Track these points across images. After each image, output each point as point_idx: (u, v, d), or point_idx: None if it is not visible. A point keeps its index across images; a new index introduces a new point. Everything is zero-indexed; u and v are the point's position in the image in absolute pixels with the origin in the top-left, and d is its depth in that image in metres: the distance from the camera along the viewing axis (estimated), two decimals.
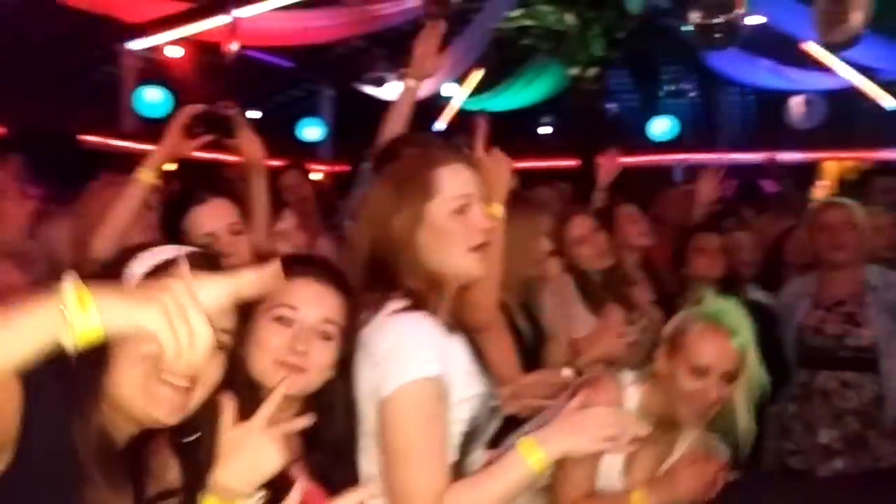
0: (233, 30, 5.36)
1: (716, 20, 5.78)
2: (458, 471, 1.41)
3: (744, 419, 1.85)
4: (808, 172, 11.22)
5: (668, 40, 7.77)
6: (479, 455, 1.48)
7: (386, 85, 8.63)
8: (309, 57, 9.58)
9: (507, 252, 2.29)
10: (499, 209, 1.86)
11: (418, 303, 1.39)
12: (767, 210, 5.69)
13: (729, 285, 2.98)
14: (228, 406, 1.21)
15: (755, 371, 1.85)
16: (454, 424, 1.39)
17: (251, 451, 1.18)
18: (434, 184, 1.44)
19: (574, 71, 7.76)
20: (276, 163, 4.13)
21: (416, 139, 2.27)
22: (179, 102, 8.02)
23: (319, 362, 1.36)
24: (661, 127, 10.62)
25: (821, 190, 10.20)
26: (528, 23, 7.78)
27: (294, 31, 7.67)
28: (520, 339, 2.45)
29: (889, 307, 2.85)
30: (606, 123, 9.70)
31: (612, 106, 9.98)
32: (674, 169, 11.20)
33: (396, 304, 1.39)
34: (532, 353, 2.38)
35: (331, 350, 1.37)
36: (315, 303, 1.38)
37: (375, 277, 1.42)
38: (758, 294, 3.28)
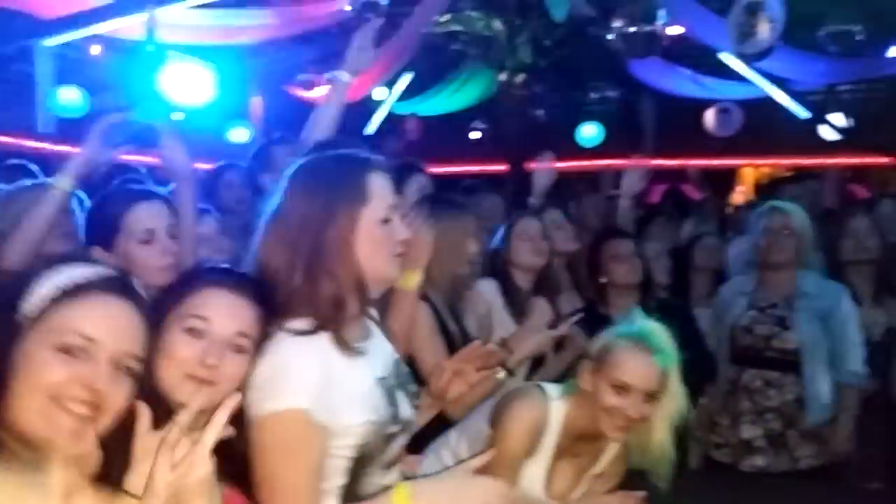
0: (152, 27, 5.21)
1: (637, 30, 5.96)
2: (351, 494, 1.41)
3: (662, 440, 1.89)
4: (726, 179, 11.67)
5: (593, 48, 7.95)
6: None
7: (316, 88, 8.56)
8: (236, 60, 9.39)
9: (436, 253, 2.31)
10: (414, 279, 1.91)
11: (324, 320, 1.37)
12: (690, 215, 5.89)
13: (644, 291, 3.07)
14: (144, 413, 1.17)
15: (677, 392, 1.90)
16: (341, 450, 1.39)
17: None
18: (368, 189, 1.45)
19: (502, 76, 7.85)
20: (206, 165, 4.03)
21: (342, 143, 2.29)
22: (97, 102, 7.75)
23: (231, 375, 1.33)
24: (589, 132, 10.84)
25: (739, 195, 10.61)
26: (456, 28, 7.84)
27: (217, 31, 7.51)
28: (450, 341, 2.46)
29: (820, 314, 2.99)
30: (535, 129, 9.85)
31: (540, 112, 10.12)
32: (602, 174, 11.45)
33: (298, 322, 1.38)
34: None
35: (243, 363, 1.35)
36: (228, 315, 1.35)
37: (288, 290, 1.40)
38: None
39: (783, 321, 3.03)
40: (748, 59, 6.80)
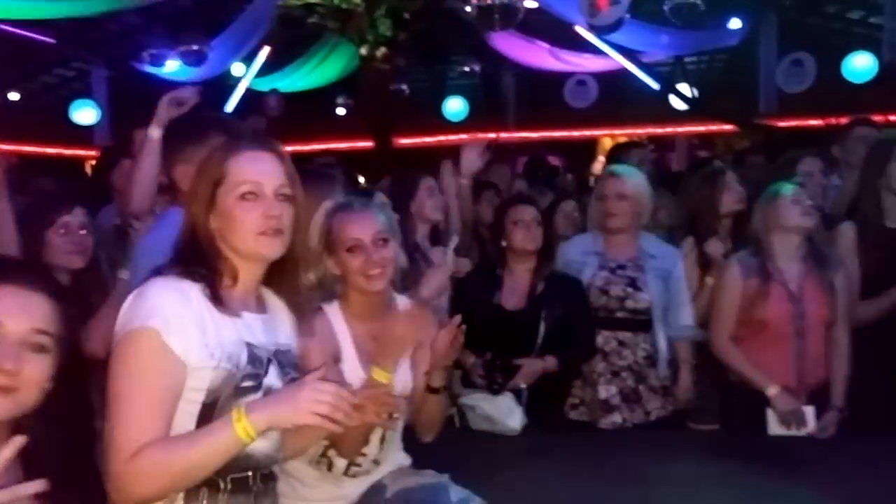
0: None
1: (493, 2, 6.02)
2: None
3: None
4: (586, 149, 12.13)
5: (454, 22, 7.97)
6: None
7: (166, 63, 8.14)
8: (75, 33, 8.76)
9: (302, 226, 2.30)
10: (384, 376, 1.88)
11: (193, 274, 1.47)
12: (555, 183, 6.05)
13: (542, 258, 3.14)
14: None
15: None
16: (191, 392, 1.41)
17: None
18: (224, 170, 1.51)
19: (364, 51, 7.75)
20: (48, 150, 3.70)
21: (217, 124, 2.24)
22: None
23: (34, 378, 1.23)
24: (454, 107, 10.92)
25: (599, 164, 11.05)
26: (313, 0, 7.65)
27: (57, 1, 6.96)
28: None
29: (662, 274, 3.12)
30: (400, 104, 9.80)
31: (404, 87, 10.08)
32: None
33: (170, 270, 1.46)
34: None
35: (45, 362, 1.25)
36: (20, 313, 1.25)
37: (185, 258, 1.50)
38: None
39: (634, 282, 3.15)
40: (600, 33, 7.03)
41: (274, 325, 1.59)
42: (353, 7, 7.54)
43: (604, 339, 3.11)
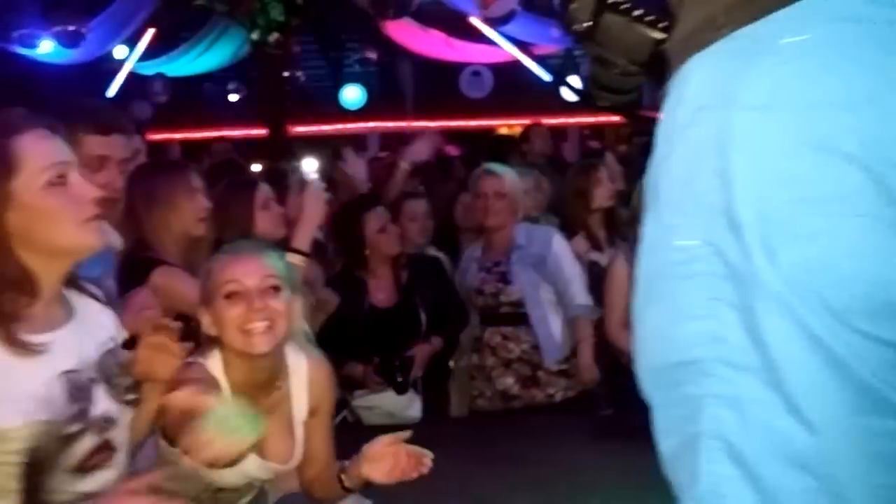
0: None
1: None
2: (35, 501, 1.28)
3: None
4: (483, 139, 12.28)
5: (350, 8, 7.86)
6: None
7: (40, 44, 7.63)
8: None
9: (162, 214, 2.17)
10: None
11: None
12: (451, 174, 6.07)
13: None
14: None
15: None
16: (6, 455, 1.24)
17: None
18: (16, 157, 1.27)
19: (255, 35, 7.53)
20: None
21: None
22: None
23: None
24: (352, 95, 10.78)
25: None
26: None
27: None
28: None
29: (533, 261, 3.19)
30: (295, 91, 9.58)
31: (300, 74, 9.87)
32: (368, 137, 11.49)
33: None
34: None
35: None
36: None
37: None
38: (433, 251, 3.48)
39: (504, 276, 3.22)
40: (493, 24, 7.11)
41: (87, 327, 1.39)
42: None
43: (489, 334, 3.18)
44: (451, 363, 3.32)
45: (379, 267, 3.12)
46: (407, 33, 8.30)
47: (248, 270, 1.64)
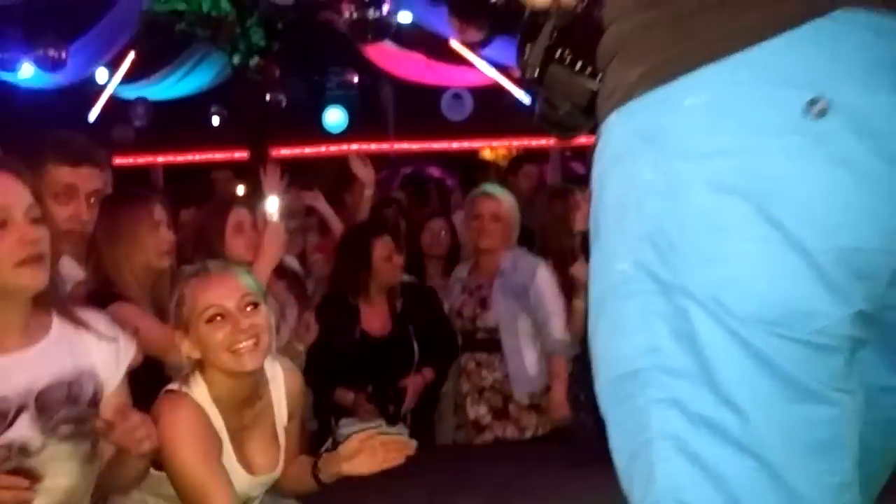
0: None
1: (366, 16, 6.02)
2: None
3: None
4: (466, 161, 12.32)
5: (327, 32, 7.91)
6: None
7: (20, 68, 7.61)
8: None
9: (124, 247, 2.14)
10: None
11: None
12: (430, 198, 6.07)
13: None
14: None
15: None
16: None
17: None
18: None
19: (236, 59, 7.55)
20: None
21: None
22: None
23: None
24: (334, 117, 10.81)
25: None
26: (181, 7, 7.37)
27: None
28: None
29: (515, 290, 3.15)
30: (277, 114, 9.60)
31: (282, 97, 9.90)
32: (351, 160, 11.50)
33: None
34: None
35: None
36: None
37: None
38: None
39: (484, 301, 3.20)
40: (473, 47, 7.18)
41: (49, 358, 1.41)
42: (224, 15, 7.33)
43: (465, 359, 3.16)
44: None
45: (377, 295, 3.09)
46: (388, 56, 8.35)
47: (226, 292, 1.68)
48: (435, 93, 9.95)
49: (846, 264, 0.68)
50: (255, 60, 7.53)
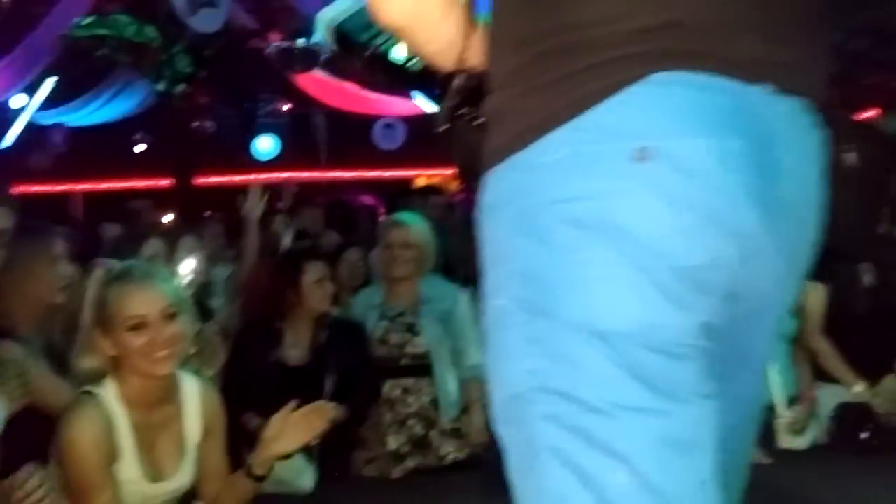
0: None
1: (294, 45, 5.98)
2: None
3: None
4: (398, 189, 12.33)
5: (258, 60, 7.83)
6: None
7: None
8: None
9: (19, 281, 2.10)
10: None
11: None
12: (357, 226, 6.03)
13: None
14: None
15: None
16: None
17: None
18: None
19: (160, 87, 7.38)
20: None
21: None
22: None
23: None
24: (265, 145, 10.68)
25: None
26: (103, 32, 7.18)
27: None
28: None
29: (441, 316, 3.18)
30: (204, 142, 9.42)
31: (210, 124, 9.74)
32: (283, 189, 11.36)
33: None
34: None
35: None
36: None
37: None
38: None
39: (412, 328, 3.20)
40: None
41: None
42: (148, 42, 7.17)
43: (389, 387, 3.13)
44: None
45: (303, 321, 3.05)
46: (320, 85, 8.31)
47: (148, 302, 1.78)
48: (367, 121, 9.95)
49: (684, 280, 0.79)
50: (181, 88, 7.37)
